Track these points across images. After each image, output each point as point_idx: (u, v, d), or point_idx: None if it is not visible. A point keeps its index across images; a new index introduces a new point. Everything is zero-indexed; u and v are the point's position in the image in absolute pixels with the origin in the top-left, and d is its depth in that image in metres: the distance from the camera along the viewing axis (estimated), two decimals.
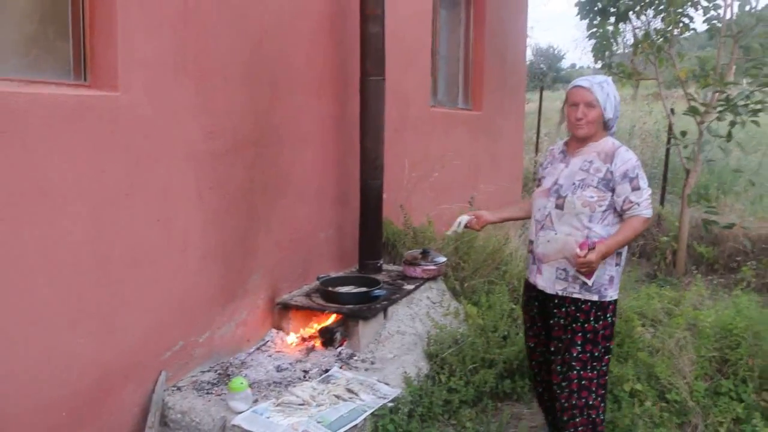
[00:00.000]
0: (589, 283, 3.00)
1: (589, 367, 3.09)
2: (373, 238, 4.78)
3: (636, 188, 2.94)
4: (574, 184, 3.05)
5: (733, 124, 6.53)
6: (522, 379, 3.97)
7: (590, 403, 3.11)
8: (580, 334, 3.07)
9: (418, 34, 5.94)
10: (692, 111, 6.76)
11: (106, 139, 2.88)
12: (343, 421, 3.02)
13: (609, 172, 2.98)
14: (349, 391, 3.29)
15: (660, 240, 7.62)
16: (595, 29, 7.51)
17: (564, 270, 3.06)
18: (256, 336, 3.96)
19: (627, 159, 2.98)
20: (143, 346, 3.15)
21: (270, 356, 3.79)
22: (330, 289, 4.18)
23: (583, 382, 3.10)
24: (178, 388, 3.30)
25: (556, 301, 3.13)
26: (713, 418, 3.57)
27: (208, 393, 3.28)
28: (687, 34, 7.34)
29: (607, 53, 7.61)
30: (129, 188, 3.01)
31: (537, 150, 11.00)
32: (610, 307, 3.06)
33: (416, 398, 3.47)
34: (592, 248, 2.90)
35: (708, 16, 7.03)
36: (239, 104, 3.66)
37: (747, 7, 6.67)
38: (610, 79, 3.13)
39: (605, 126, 3.07)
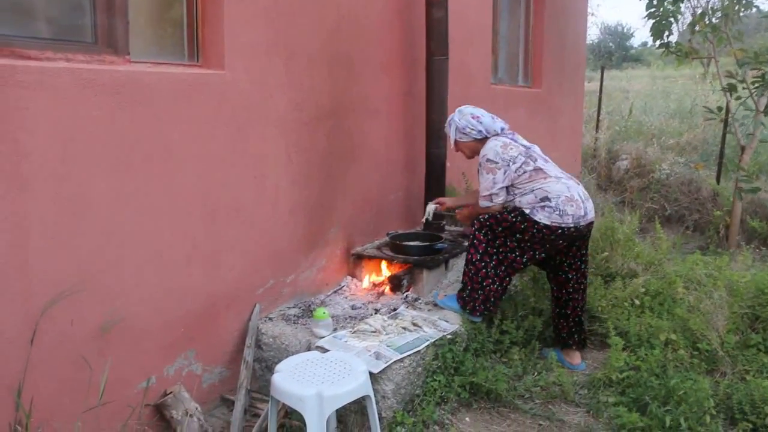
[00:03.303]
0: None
1: (484, 252, 3.86)
2: None
3: (481, 176, 3.87)
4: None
5: None
6: None
7: (489, 272, 3.86)
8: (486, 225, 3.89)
9: (480, 17, 6.14)
10: (730, 88, 6.76)
11: (215, 110, 3.30)
12: (408, 347, 3.39)
13: (479, 164, 3.83)
14: (414, 324, 3.66)
15: (714, 214, 7.64)
16: (653, 9, 7.35)
17: None
18: (333, 281, 4.37)
19: (482, 154, 3.86)
20: (241, 282, 3.60)
21: (345, 298, 4.19)
22: (398, 242, 4.50)
23: (482, 263, 3.88)
24: (270, 319, 3.76)
25: None
26: (740, 366, 3.74)
27: (294, 323, 3.72)
28: (747, 12, 7.12)
29: (666, 33, 7.45)
30: (232, 150, 3.43)
31: (597, 128, 11.07)
32: (536, 226, 3.70)
33: (472, 335, 3.82)
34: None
35: None
36: (320, 81, 4.03)
37: None
38: (457, 111, 3.99)
39: (484, 137, 3.91)
